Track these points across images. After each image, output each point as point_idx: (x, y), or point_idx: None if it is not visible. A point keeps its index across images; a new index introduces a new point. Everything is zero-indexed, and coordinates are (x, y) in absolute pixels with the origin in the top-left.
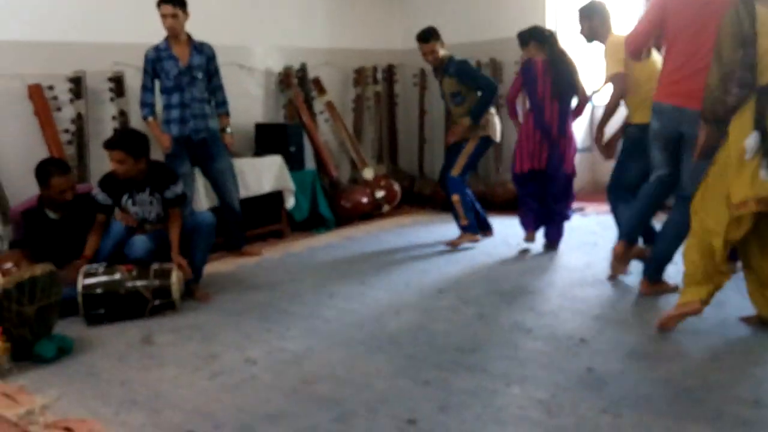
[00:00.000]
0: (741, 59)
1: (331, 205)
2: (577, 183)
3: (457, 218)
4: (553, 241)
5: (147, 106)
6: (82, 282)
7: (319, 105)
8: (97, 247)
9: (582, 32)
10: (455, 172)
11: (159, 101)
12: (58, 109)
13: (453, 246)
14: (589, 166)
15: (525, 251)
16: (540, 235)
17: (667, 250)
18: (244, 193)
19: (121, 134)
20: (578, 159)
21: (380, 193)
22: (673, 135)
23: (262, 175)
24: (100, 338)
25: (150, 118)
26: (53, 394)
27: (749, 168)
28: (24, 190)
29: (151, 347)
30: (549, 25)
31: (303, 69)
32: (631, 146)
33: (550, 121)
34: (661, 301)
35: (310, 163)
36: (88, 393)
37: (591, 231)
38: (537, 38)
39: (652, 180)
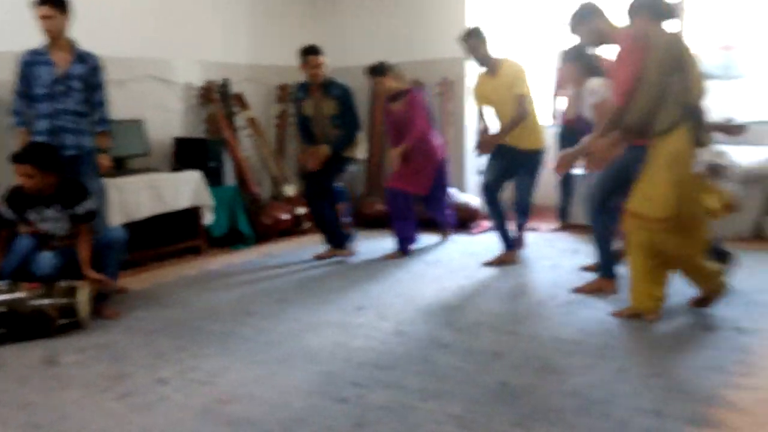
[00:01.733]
0: (675, 83)
1: (251, 222)
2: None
3: (331, 231)
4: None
5: (18, 114)
6: None
7: (241, 121)
8: (0, 263)
9: (477, 56)
10: (336, 182)
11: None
12: None
13: (322, 259)
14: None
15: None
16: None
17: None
18: (160, 208)
19: (29, 147)
20: None
21: (301, 210)
22: None
23: (179, 190)
24: (1, 359)
25: (21, 128)
26: None
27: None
28: None
29: (56, 368)
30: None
31: (225, 84)
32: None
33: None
34: (572, 314)
35: (230, 179)
36: None
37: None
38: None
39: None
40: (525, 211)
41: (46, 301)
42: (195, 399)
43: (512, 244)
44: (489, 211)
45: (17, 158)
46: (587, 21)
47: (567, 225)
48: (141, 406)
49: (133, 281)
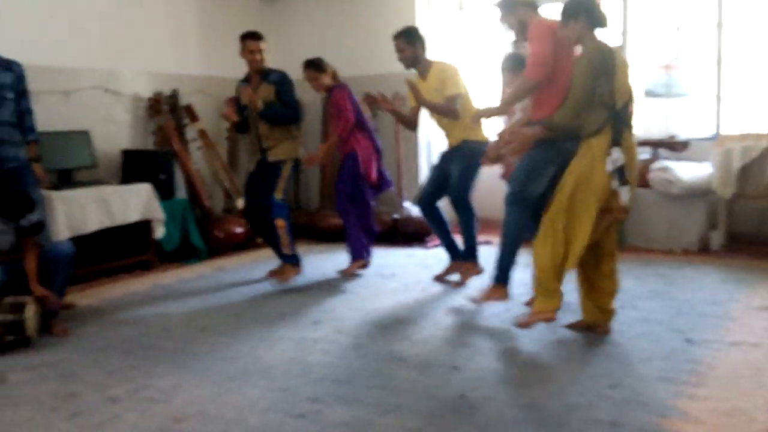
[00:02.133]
0: (601, 86)
1: (203, 235)
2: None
3: (279, 247)
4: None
5: None
6: None
7: (191, 133)
8: None
9: (403, 57)
10: (279, 194)
11: None
12: None
13: (281, 280)
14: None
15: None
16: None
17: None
18: (108, 222)
19: None
20: None
21: None
22: None
23: (128, 203)
24: None
25: None
26: None
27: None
28: None
29: (4, 387)
30: None
31: (174, 95)
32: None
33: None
34: (527, 329)
35: (181, 192)
36: None
37: None
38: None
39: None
40: (463, 207)
41: None
42: (148, 418)
43: (463, 254)
44: (429, 225)
45: None
46: (514, 11)
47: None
48: (92, 426)
49: (82, 297)
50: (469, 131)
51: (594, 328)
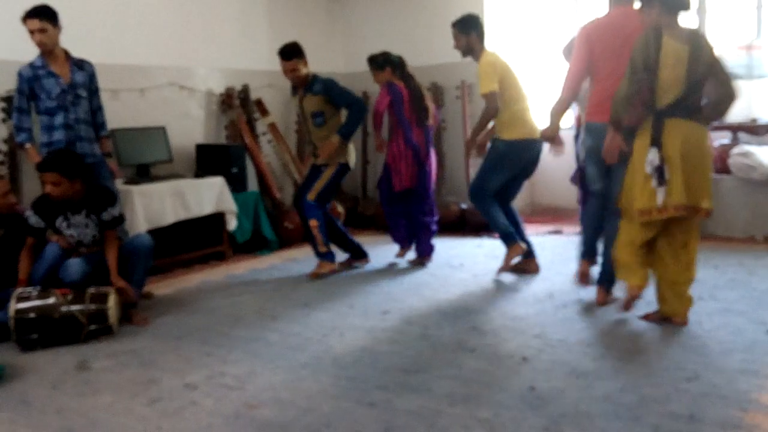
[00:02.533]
0: (646, 81)
1: (274, 227)
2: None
3: (315, 245)
4: (426, 255)
5: (24, 130)
6: (14, 306)
7: (261, 126)
8: (30, 269)
9: (458, 46)
10: (311, 196)
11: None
12: None
13: (314, 277)
14: (527, 189)
15: (393, 264)
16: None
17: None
18: (184, 214)
19: (55, 155)
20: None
21: None
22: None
23: (203, 196)
24: (34, 365)
25: (28, 145)
26: None
27: (651, 181)
28: None
29: (87, 373)
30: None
31: (245, 90)
32: (496, 158)
33: (419, 143)
34: (599, 318)
35: (252, 185)
36: (21, 422)
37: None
38: (391, 63)
39: (594, 196)
40: (476, 201)
41: (76, 307)
42: (224, 404)
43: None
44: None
45: (42, 167)
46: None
47: None
48: (171, 412)
49: (159, 287)
50: (500, 128)
51: (670, 318)
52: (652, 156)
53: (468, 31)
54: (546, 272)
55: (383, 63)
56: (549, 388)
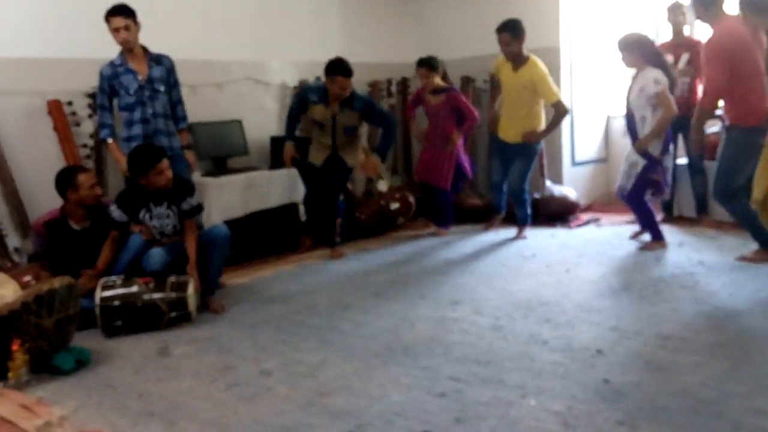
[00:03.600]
0: None
1: (346, 217)
2: (591, 194)
3: (332, 234)
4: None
5: (107, 126)
6: (100, 294)
7: None
8: (110, 260)
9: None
10: (342, 197)
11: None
12: (77, 124)
13: (337, 256)
14: (604, 177)
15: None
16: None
17: None
18: (259, 205)
19: (150, 149)
20: (592, 170)
21: (395, 205)
22: None
23: (277, 187)
24: (118, 350)
25: (110, 140)
26: (71, 405)
27: None
28: (43, 205)
29: (168, 359)
30: (562, 41)
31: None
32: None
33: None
34: (677, 311)
35: None
36: (106, 405)
37: (606, 242)
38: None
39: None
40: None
41: (157, 295)
42: (298, 391)
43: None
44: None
45: (154, 159)
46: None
47: (671, 217)
48: (247, 397)
49: (235, 276)
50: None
51: None
52: None
53: (520, 35)
54: (622, 263)
55: (438, 66)
56: (624, 382)
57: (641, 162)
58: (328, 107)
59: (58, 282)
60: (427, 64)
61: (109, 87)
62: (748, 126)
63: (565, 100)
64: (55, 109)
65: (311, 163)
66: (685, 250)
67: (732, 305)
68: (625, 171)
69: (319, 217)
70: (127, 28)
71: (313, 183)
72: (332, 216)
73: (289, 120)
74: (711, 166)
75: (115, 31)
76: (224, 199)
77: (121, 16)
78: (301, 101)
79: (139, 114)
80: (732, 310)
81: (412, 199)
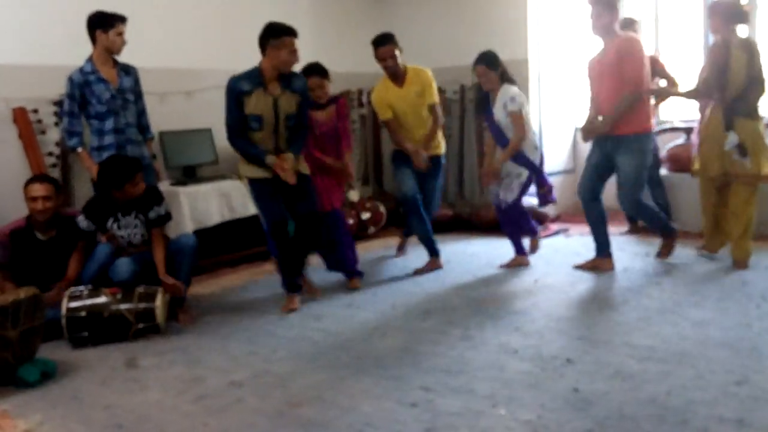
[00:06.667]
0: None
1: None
2: (559, 205)
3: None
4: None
5: (76, 135)
6: (66, 305)
7: None
8: (80, 269)
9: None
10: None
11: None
12: (43, 132)
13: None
14: (571, 188)
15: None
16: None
17: None
18: (229, 215)
19: (125, 161)
20: (560, 181)
21: (366, 215)
22: None
23: (247, 197)
24: (84, 362)
25: (80, 149)
26: (37, 418)
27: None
28: (9, 214)
29: (135, 371)
30: (531, 51)
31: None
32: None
33: None
34: (645, 320)
35: None
36: (72, 417)
37: (575, 252)
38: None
39: None
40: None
41: (124, 306)
42: (268, 402)
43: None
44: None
45: (131, 171)
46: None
47: (637, 228)
48: (217, 409)
49: (205, 286)
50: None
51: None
52: (732, 138)
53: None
54: (590, 273)
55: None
56: (593, 391)
57: (525, 173)
58: (266, 91)
59: (23, 293)
60: (487, 59)
61: (80, 95)
62: (648, 132)
63: (533, 112)
64: (20, 116)
65: (258, 181)
66: (651, 261)
67: (698, 315)
68: (506, 183)
69: (294, 251)
70: (122, 35)
71: (274, 205)
72: (307, 249)
73: (240, 135)
74: (673, 178)
75: (118, 36)
76: (195, 209)
77: (124, 24)
78: (236, 98)
79: (111, 123)
80: (698, 319)
81: (383, 208)
